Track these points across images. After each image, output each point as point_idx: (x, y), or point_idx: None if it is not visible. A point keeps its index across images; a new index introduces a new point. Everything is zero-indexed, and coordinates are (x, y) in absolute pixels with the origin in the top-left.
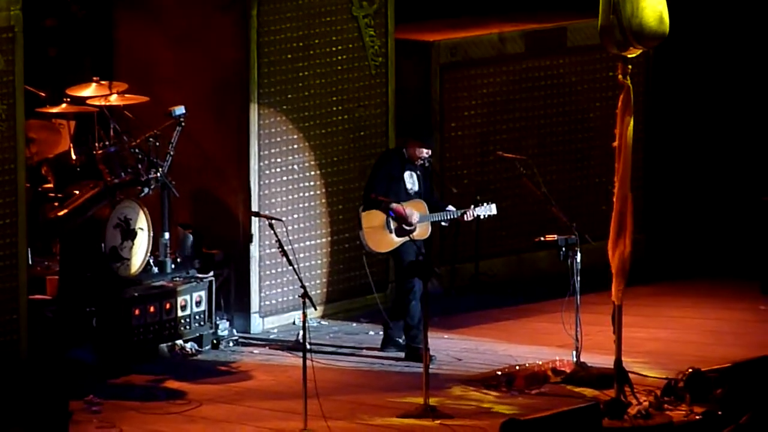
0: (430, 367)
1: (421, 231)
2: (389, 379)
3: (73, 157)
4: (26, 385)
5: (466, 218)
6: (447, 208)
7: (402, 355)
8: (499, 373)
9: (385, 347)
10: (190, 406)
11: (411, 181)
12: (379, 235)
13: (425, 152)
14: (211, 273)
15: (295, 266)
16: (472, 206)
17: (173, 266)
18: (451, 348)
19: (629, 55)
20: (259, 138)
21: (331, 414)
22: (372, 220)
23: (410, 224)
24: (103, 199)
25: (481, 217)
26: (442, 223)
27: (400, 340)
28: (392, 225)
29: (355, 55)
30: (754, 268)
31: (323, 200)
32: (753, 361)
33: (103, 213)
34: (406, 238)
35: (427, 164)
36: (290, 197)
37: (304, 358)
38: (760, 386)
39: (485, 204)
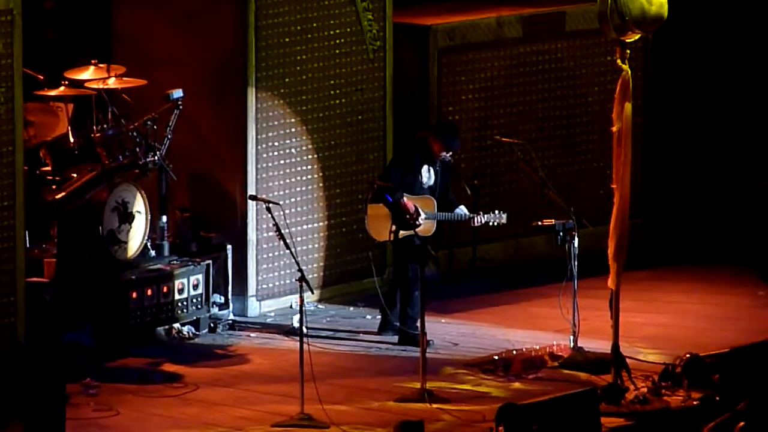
0: (427, 351)
1: (426, 228)
2: (386, 363)
3: (71, 140)
4: (23, 367)
5: (473, 224)
6: (457, 209)
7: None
8: (497, 357)
9: (382, 331)
10: (186, 389)
11: (427, 175)
12: (383, 224)
13: (445, 154)
14: (209, 256)
15: (293, 250)
16: (482, 213)
17: (170, 249)
18: (449, 332)
19: (628, 40)
20: (256, 122)
21: (328, 398)
22: (378, 208)
23: (414, 221)
24: (101, 182)
25: (490, 224)
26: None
27: (398, 325)
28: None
29: (353, 39)
30: (752, 253)
31: (320, 184)
32: (751, 347)
33: (101, 196)
34: (410, 232)
35: (447, 160)
36: (287, 181)
37: (301, 342)
38: (758, 372)
39: (496, 212)
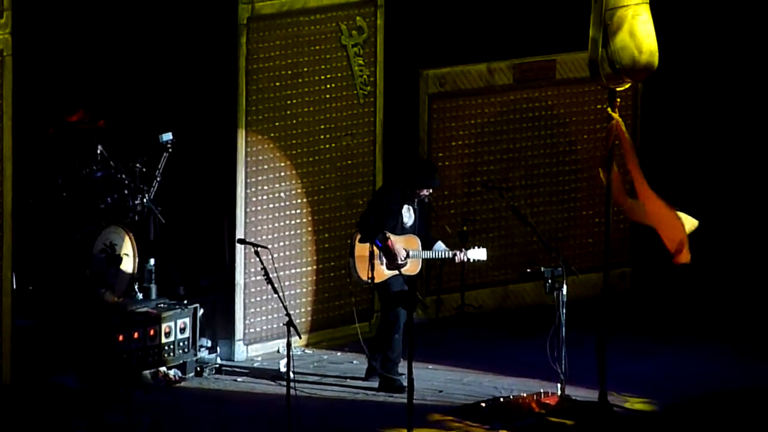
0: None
1: (412, 267)
2: (372, 409)
3: (59, 181)
4: (9, 409)
5: (456, 260)
6: (436, 246)
7: None
8: (484, 404)
9: (369, 377)
10: None
11: (408, 215)
12: (370, 265)
13: (425, 192)
14: (196, 300)
15: (280, 294)
16: (464, 249)
17: (158, 292)
18: (436, 379)
19: (618, 88)
20: (246, 165)
21: None
22: (364, 248)
23: (398, 262)
24: (89, 224)
25: (471, 260)
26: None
27: (380, 370)
28: (383, 257)
29: (343, 83)
30: (743, 301)
31: (309, 228)
32: (738, 393)
33: (89, 238)
34: (396, 272)
35: (427, 200)
36: (276, 225)
37: (288, 387)
38: (744, 418)
39: (476, 248)
